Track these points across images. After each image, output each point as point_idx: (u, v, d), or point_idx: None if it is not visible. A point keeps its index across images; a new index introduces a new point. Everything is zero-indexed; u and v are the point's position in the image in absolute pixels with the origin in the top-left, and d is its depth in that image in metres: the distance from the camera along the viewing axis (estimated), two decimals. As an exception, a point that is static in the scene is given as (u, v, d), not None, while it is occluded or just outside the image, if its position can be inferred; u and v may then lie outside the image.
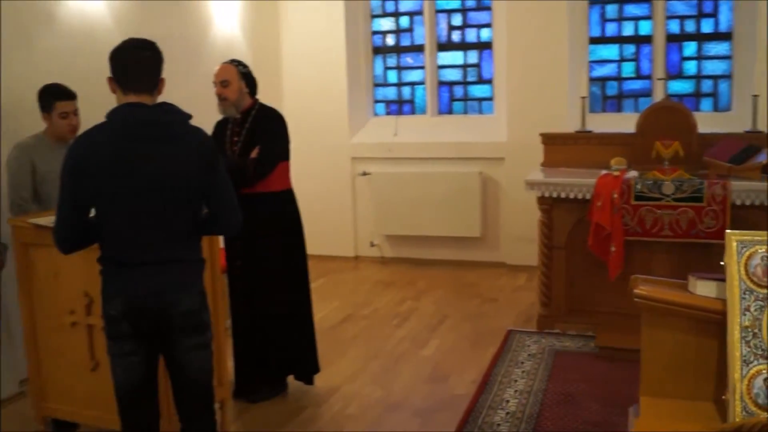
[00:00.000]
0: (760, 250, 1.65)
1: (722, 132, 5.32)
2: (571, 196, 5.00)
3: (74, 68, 4.72)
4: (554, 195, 5.06)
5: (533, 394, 4.25)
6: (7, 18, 4.52)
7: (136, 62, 2.67)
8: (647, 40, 6.80)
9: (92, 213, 2.73)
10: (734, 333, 1.64)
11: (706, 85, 6.69)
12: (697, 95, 6.72)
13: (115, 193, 2.61)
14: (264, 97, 4.51)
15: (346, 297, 6.53)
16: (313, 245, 7.17)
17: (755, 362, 1.63)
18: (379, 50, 7.96)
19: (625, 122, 5.93)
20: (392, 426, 4.03)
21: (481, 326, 5.57)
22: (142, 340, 2.74)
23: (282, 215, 4.32)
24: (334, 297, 6.52)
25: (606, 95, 7.04)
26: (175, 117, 2.71)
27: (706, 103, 6.68)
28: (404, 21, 7.79)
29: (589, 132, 5.70)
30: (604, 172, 4.91)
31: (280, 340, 4.36)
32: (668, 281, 1.94)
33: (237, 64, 4.29)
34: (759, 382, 1.62)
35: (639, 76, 6.89)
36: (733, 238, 1.69)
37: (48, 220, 3.48)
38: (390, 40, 7.91)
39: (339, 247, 7.92)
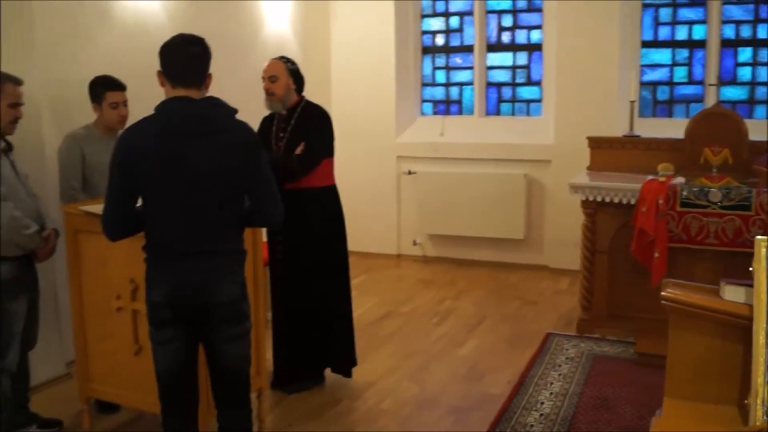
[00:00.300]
0: None
1: (776, 141, 5.21)
2: (616, 200, 4.96)
3: (128, 64, 4.83)
4: (598, 199, 5.03)
5: (569, 397, 4.23)
6: (65, 15, 4.68)
7: (185, 57, 2.73)
8: (701, 44, 6.69)
9: (139, 203, 2.81)
10: (759, 338, 1.63)
11: (761, 92, 6.54)
12: (751, 102, 6.58)
13: (162, 184, 2.68)
14: (312, 95, 4.57)
15: (387, 294, 6.57)
16: (356, 242, 7.25)
17: None
18: (428, 50, 7.97)
19: (674, 128, 5.84)
20: (426, 422, 4.06)
21: (520, 328, 5.55)
22: (183, 328, 2.81)
23: (325, 211, 4.38)
24: (375, 294, 6.57)
25: (657, 100, 6.95)
26: (222, 111, 2.77)
27: (760, 111, 6.53)
28: (454, 21, 7.79)
29: (637, 137, 5.64)
30: (650, 177, 4.85)
31: (319, 333, 4.41)
32: (701, 286, 1.93)
33: (286, 60, 4.35)
34: (783, 387, 1.60)
35: (691, 81, 6.78)
36: (763, 244, 1.68)
37: (98, 207, 3.54)
38: (439, 40, 7.92)
39: (382, 245, 7.97)
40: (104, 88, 4.11)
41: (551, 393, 4.31)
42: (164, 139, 2.66)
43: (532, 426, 3.90)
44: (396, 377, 4.69)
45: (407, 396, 4.41)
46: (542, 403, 4.18)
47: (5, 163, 3.57)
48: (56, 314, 4.53)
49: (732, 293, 1.79)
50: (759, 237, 1.73)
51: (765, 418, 1.61)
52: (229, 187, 2.76)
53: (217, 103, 2.76)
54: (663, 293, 1.86)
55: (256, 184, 2.83)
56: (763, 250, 1.66)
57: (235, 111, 2.80)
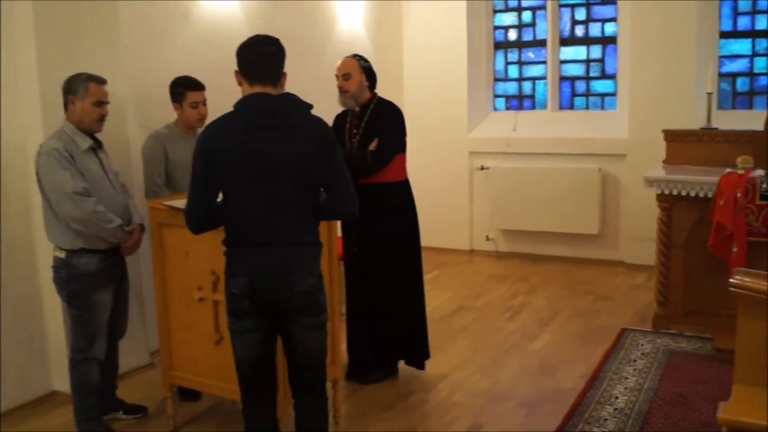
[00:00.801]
0: None
1: None
2: (692, 194, 4.89)
3: (207, 63, 5.01)
4: (674, 192, 4.97)
5: (644, 392, 4.20)
6: (148, 16, 4.89)
7: (262, 56, 2.85)
8: (782, 33, 6.52)
9: (219, 198, 2.93)
10: None
11: (843, 82, 6.35)
12: (834, 92, 6.39)
13: (243, 177, 2.78)
14: (385, 91, 4.65)
15: (459, 289, 6.61)
16: (429, 237, 7.32)
17: None
18: (501, 45, 7.97)
19: (755, 120, 5.71)
20: (497, 415, 4.09)
21: (594, 323, 5.52)
22: (262, 318, 2.90)
23: (397, 205, 4.46)
24: (448, 288, 6.62)
25: (736, 91, 6.79)
26: (299, 107, 2.87)
27: (844, 100, 6.34)
28: (527, 16, 7.78)
29: (715, 129, 5.53)
30: (728, 170, 4.76)
31: (392, 325, 4.49)
32: (771, 274, 1.93)
33: (359, 58, 4.44)
34: None
35: (772, 72, 6.62)
36: None
37: (181, 202, 3.69)
38: (512, 35, 7.91)
39: (455, 240, 8.02)
40: (184, 88, 4.27)
41: (626, 388, 4.28)
42: (245, 134, 2.77)
43: (605, 420, 3.89)
44: (468, 370, 4.73)
45: (479, 389, 4.45)
46: (616, 397, 4.16)
47: (93, 159, 3.73)
48: (140, 306, 4.72)
49: (803, 281, 1.80)
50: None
51: None
52: (307, 181, 2.85)
53: (294, 99, 2.86)
54: (731, 280, 1.87)
55: (332, 178, 2.92)
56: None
57: (311, 106, 2.89)
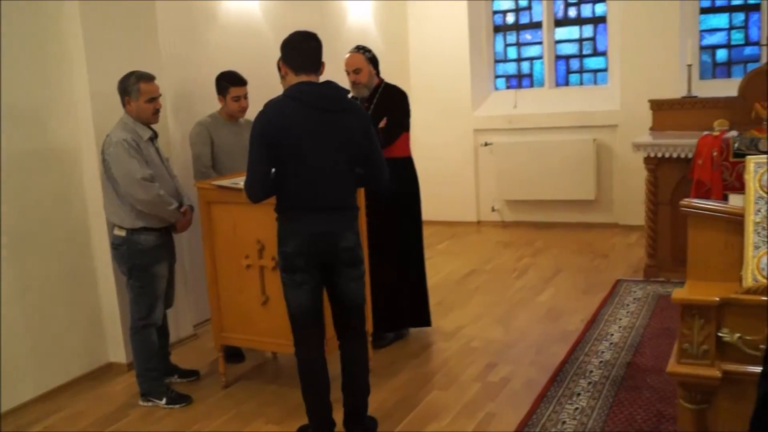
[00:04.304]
0: None
1: (825, 93, 5.63)
2: (675, 155, 5.50)
3: (232, 59, 5.44)
4: (659, 155, 5.57)
5: (635, 329, 4.82)
6: (179, 16, 5.35)
7: (307, 49, 3.40)
8: (756, 7, 7.11)
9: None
10: (749, 227, 2.28)
11: (816, 48, 6.92)
12: (806, 60, 6.95)
13: (303, 153, 3.30)
14: (392, 76, 5.14)
15: (470, 256, 7.20)
16: (438, 211, 7.95)
17: (763, 247, 2.29)
18: (500, 28, 8.55)
19: (733, 87, 6.21)
20: (512, 355, 4.67)
21: (593, 278, 6.13)
22: (313, 272, 3.42)
23: (403, 179, 4.82)
24: (459, 256, 7.22)
25: (716, 62, 7.37)
26: (342, 92, 3.44)
27: (815, 66, 6.90)
28: (523, 0, 8.34)
29: (695, 97, 6.11)
30: (705, 132, 5.36)
31: (397, 291, 4.89)
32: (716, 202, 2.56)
33: (363, 51, 4.86)
34: (764, 260, 2.27)
35: (748, 43, 7.20)
36: (751, 160, 2.31)
37: (228, 181, 4.23)
38: (510, 19, 8.48)
39: (463, 213, 8.62)
40: (228, 82, 4.73)
41: (620, 326, 4.90)
42: (303, 115, 3.30)
43: (603, 352, 4.50)
44: (483, 322, 5.32)
45: (494, 336, 5.03)
46: (612, 334, 4.78)
47: (152, 149, 4.21)
48: (184, 282, 5.14)
49: (734, 200, 2.42)
50: (748, 156, 2.35)
51: (753, 281, 2.29)
52: (353, 154, 3.41)
53: (337, 86, 3.42)
54: (681, 202, 2.49)
55: (371, 152, 3.48)
56: (752, 165, 2.29)
57: (349, 92, 3.47)
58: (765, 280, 2.28)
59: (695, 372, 2.35)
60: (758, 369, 2.25)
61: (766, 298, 2.26)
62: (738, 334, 2.29)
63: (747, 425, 1.84)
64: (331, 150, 3.35)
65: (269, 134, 3.31)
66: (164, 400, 4.19)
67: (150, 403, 4.22)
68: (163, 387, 4.26)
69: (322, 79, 3.45)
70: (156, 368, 4.27)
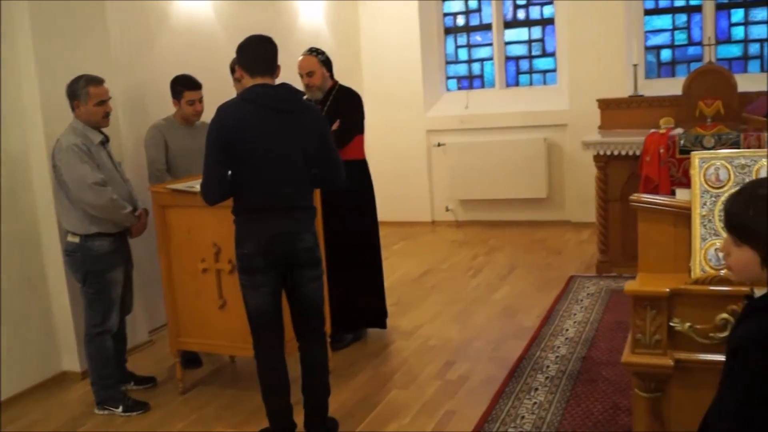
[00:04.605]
0: (714, 164, 2.36)
1: (765, 90, 5.81)
2: (623, 153, 5.63)
3: (187, 59, 5.46)
4: (608, 153, 5.70)
5: (590, 324, 4.92)
6: (130, 18, 5.27)
7: (262, 52, 3.41)
8: (698, 9, 7.31)
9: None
10: (696, 220, 2.37)
11: (753, 48, 7.17)
12: (745, 58, 7.20)
13: (258, 153, 3.32)
14: (345, 77, 5.14)
15: (425, 255, 7.25)
16: (393, 212, 7.98)
17: (709, 238, 2.38)
18: (450, 30, 8.63)
19: (677, 86, 6.38)
20: (470, 352, 4.73)
21: (547, 274, 6.23)
22: (271, 274, 3.43)
23: (357, 182, 4.78)
24: (415, 255, 7.26)
25: (660, 62, 7.56)
26: (298, 94, 3.46)
27: (753, 65, 7.17)
28: (473, 2, 8.44)
29: (641, 96, 6.27)
30: (652, 130, 5.49)
31: (355, 293, 4.88)
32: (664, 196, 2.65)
33: (316, 53, 4.84)
34: (711, 251, 2.36)
35: (691, 43, 7.40)
36: (696, 156, 2.40)
37: (183, 185, 4.20)
38: (460, 21, 8.57)
39: (417, 213, 8.67)
40: (183, 86, 4.72)
41: (575, 321, 4.99)
42: (258, 116, 3.32)
43: (559, 347, 4.59)
44: (440, 321, 5.37)
45: (452, 334, 5.08)
46: (567, 329, 4.87)
47: (104, 153, 4.15)
48: (138, 287, 4.94)
49: (681, 194, 2.52)
50: (693, 152, 2.44)
51: (701, 272, 2.39)
52: (310, 154, 3.43)
53: (293, 88, 3.45)
54: (630, 198, 2.57)
55: (327, 152, 3.51)
56: (697, 160, 2.37)
57: (304, 94, 3.50)
58: (713, 271, 2.36)
59: (648, 361, 2.42)
60: (709, 357, 2.33)
61: (714, 288, 2.34)
62: (688, 323, 2.36)
63: (700, 412, 1.89)
64: (287, 151, 3.37)
65: (225, 136, 3.32)
66: (121, 408, 4.14)
67: (106, 411, 4.16)
68: (119, 394, 4.20)
69: (278, 81, 3.46)
70: (112, 375, 4.21)
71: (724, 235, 1.77)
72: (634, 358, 2.45)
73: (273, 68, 3.44)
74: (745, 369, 1.67)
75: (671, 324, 2.40)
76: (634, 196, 2.54)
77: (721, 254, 1.74)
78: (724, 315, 2.29)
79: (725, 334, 2.25)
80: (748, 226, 1.69)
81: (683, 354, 2.40)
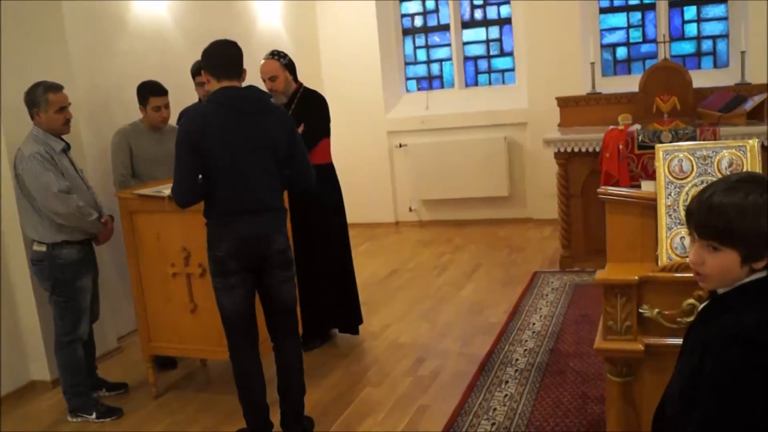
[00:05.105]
0: (677, 156, 2.46)
1: (718, 86, 6.00)
2: (584, 149, 5.74)
3: (147, 63, 5.44)
4: (569, 150, 5.81)
5: (555, 317, 5.02)
6: (88, 23, 5.22)
7: (228, 56, 3.44)
8: (651, 6, 7.48)
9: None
10: (662, 210, 2.47)
11: (706, 45, 7.37)
12: (699, 54, 7.39)
13: (228, 155, 3.34)
14: (305, 80, 5.06)
15: (391, 255, 7.32)
16: (357, 214, 8.01)
17: (675, 228, 2.48)
18: (409, 31, 8.70)
19: (633, 83, 6.53)
20: (440, 348, 4.79)
21: (511, 271, 6.32)
22: (245, 275, 3.46)
23: (324, 186, 4.72)
24: (380, 256, 7.32)
25: (616, 60, 7.72)
26: (265, 95, 3.51)
27: (706, 61, 7.36)
28: (430, 3, 8.52)
29: (599, 93, 6.40)
30: (611, 126, 5.62)
31: (326, 297, 4.90)
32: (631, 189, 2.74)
33: (278, 57, 4.79)
34: (677, 240, 2.45)
35: (645, 41, 7.57)
36: (660, 148, 2.49)
37: (151, 190, 4.20)
38: (418, 22, 8.65)
39: (381, 214, 8.72)
40: (149, 92, 4.71)
41: (541, 316, 5.09)
42: (227, 119, 3.34)
43: (526, 341, 4.67)
44: (409, 318, 5.43)
45: (421, 332, 5.15)
46: (534, 323, 4.96)
47: (66, 160, 4.12)
48: (105, 295, 4.90)
49: (646, 186, 2.62)
50: (658, 145, 2.53)
51: (668, 260, 2.48)
52: (279, 156, 3.47)
53: (259, 89, 3.49)
54: (598, 190, 2.66)
55: (297, 153, 3.55)
56: (661, 153, 2.47)
57: (271, 95, 3.52)
58: (678, 258, 2.45)
59: (620, 347, 2.50)
60: (677, 341, 2.40)
61: (680, 275, 2.42)
62: (657, 310, 2.45)
63: None
64: (256, 152, 3.40)
65: (194, 139, 3.34)
66: (94, 415, 4.12)
67: (79, 419, 4.14)
68: (91, 401, 4.18)
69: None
70: (83, 383, 4.19)
71: (692, 246, 1.74)
72: (606, 344, 2.53)
73: (239, 71, 3.47)
74: (719, 365, 1.65)
75: (640, 310, 2.48)
76: (602, 189, 2.63)
77: (692, 264, 1.70)
78: (691, 300, 2.38)
79: (692, 318, 2.33)
80: (733, 228, 1.65)
81: (653, 339, 2.49)
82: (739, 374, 1.63)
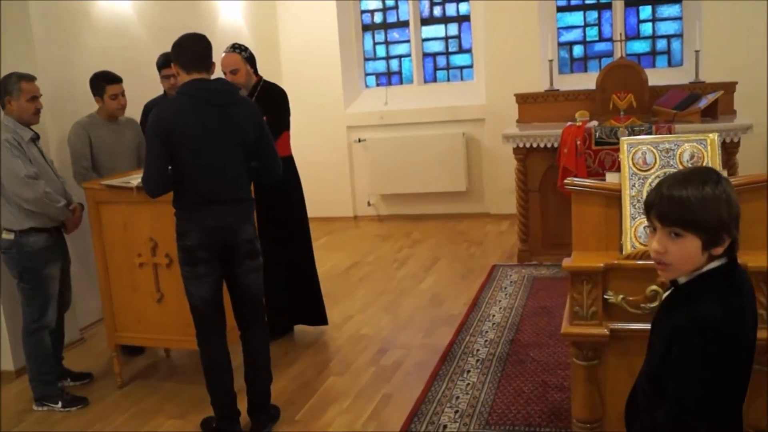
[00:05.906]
0: (641, 149, 2.56)
1: (673, 84, 6.17)
2: (542, 145, 5.86)
3: (108, 60, 5.35)
4: (527, 145, 5.92)
5: (515, 309, 5.12)
6: (50, 17, 5.16)
7: (198, 49, 3.45)
8: (608, 6, 7.66)
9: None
10: (626, 200, 2.58)
11: (661, 44, 7.57)
12: (654, 53, 7.59)
13: (197, 146, 3.36)
14: (265, 76, 5.08)
15: (350, 249, 7.36)
16: (316, 208, 8.02)
17: (638, 217, 2.58)
18: (368, 27, 8.75)
19: (590, 81, 6.67)
20: (401, 339, 4.86)
21: (470, 264, 6.42)
22: (214, 264, 3.49)
23: (284, 179, 4.60)
24: (339, 250, 7.35)
25: (573, 58, 7.88)
26: (234, 88, 3.54)
27: (661, 60, 7.57)
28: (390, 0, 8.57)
29: (557, 90, 6.52)
30: (569, 123, 5.75)
31: (286, 292, 4.89)
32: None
33: (240, 50, 4.78)
34: (641, 229, 2.56)
35: (602, 39, 7.75)
36: (625, 141, 2.60)
37: (118, 180, 4.20)
38: (378, 18, 8.69)
39: (339, 209, 8.76)
40: (104, 81, 4.68)
41: (500, 308, 5.19)
42: (196, 110, 3.36)
43: (486, 332, 4.76)
44: (371, 311, 5.48)
45: (383, 323, 5.20)
46: (494, 315, 5.05)
47: (35, 149, 4.15)
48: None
49: (611, 177, 2.71)
50: (623, 138, 2.63)
51: (632, 248, 2.58)
52: (247, 147, 3.50)
53: (228, 82, 3.52)
54: (565, 181, 2.74)
55: (265, 144, 3.58)
56: (625, 146, 2.57)
57: (239, 88, 3.55)
58: (642, 246, 2.55)
59: (586, 332, 2.60)
60: (640, 326, 2.51)
61: (643, 262, 2.52)
62: (621, 296, 2.55)
63: (633, 376, 2.02)
64: (225, 143, 3.43)
65: (165, 130, 3.36)
66: (60, 404, 4.11)
67: (45, 408, 4.13)
68: (57, 390, 4.18)
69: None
70: (50, 372, 4.20)
71: (652, 238, 1.80)
72: (572, 329, 2.62)
73: (208, 64, 3.49)
74: (686, 354, 1.71)
75: (606, 297, 2.57)
76: (569, 180, 2.71)
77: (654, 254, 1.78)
78: (654, 287, 2.47)
79: (655, 304, 2.43)
80: (696, 216, 1.72)
81: (617, 324, 2.58)
82: (706, 362, 1.70)
